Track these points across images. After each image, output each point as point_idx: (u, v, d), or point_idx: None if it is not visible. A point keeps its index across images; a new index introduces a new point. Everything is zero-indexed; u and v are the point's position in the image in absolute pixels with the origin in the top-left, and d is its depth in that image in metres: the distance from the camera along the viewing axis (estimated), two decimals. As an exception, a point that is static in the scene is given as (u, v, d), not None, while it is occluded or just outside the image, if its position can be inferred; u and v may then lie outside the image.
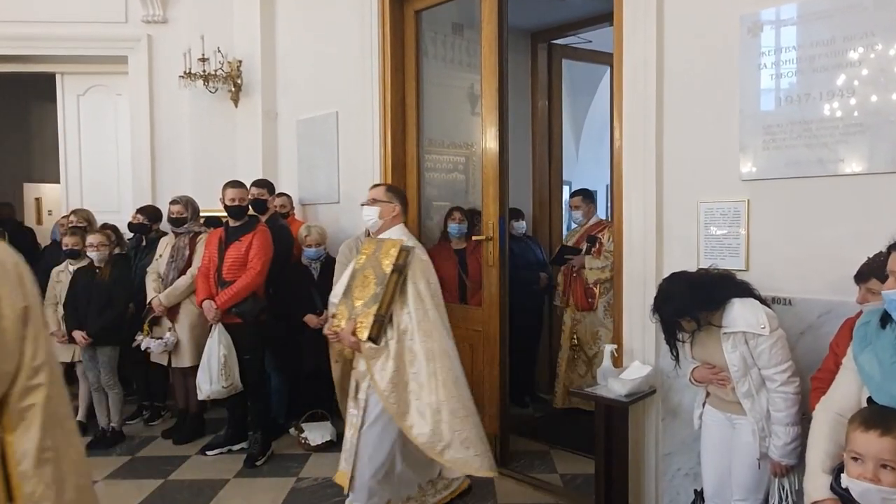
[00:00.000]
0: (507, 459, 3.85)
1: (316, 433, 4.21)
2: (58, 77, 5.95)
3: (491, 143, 3.85)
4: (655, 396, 2.96)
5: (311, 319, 4.18)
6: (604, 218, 5.14)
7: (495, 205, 3.83)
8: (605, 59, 3.83)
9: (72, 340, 4.22)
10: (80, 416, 4.52)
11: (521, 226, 5.05)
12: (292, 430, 4.36)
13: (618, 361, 3.04)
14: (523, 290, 4.51)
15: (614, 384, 2.81)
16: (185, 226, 4.42)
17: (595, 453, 2.96)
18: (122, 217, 5.27)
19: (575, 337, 4.66)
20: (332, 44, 4.77)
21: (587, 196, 4.85)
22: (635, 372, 2.86)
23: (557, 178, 5.72)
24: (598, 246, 4.52)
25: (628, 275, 3.09)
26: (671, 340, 2.42)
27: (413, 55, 4.37)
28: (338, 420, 4.19)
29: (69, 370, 4.54)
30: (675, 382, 2.91)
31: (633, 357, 3.02)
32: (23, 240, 6.18)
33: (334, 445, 4.12)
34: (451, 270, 4.33)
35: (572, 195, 4.98)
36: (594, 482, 2.97)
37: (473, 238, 4.05)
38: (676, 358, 2.48)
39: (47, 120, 7.32)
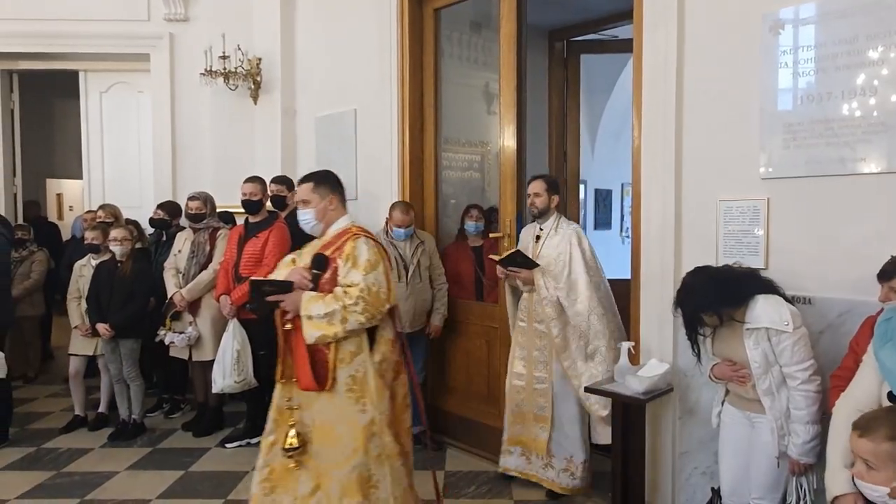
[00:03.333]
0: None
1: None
2: (81, 74, 6.05)
3: (508, 140, 3.86)
4: (672, 395, 2.97)
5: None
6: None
7: (513, 202, 3.85)
8: (626, 46, 3.78)
9: (94, 333, 4.30)
10: (101, 408, 4.61)
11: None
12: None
13: (634, 359, 3.04)
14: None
15: (632, 381, 2.81)
16: (204, 221, 4.48)
17: (612, 451, 2.97)
18: (143, 213, 5.34)
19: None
20: (352, 42, 4.81)
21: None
22: (653, 369, 2.86)
23: (574, 177, 5.72)
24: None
25: (646, 272, 3.09)
26: (692, 336, 2.42)
27: (432, 53, 4.40)
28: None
29: (91, 363, 4.63)
30: (692, 381, 2.91)
31: (650, 355, 3.02)
32: (49, 235, 6.29)
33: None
34: (468, 268, 4.35)
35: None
36: (611, 480, 2.98)
37: (491, 236, 4.07)
38: (698, 354, 2.48)
39: (70, 117, 7.44)
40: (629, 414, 2.88)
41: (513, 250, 3.39)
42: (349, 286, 2.38)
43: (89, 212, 5.52)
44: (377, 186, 4.50)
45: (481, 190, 5.09)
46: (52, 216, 8.87)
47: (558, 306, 3.26)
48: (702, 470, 2.93)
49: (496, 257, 3.43)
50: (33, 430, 4.50)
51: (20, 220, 6.04)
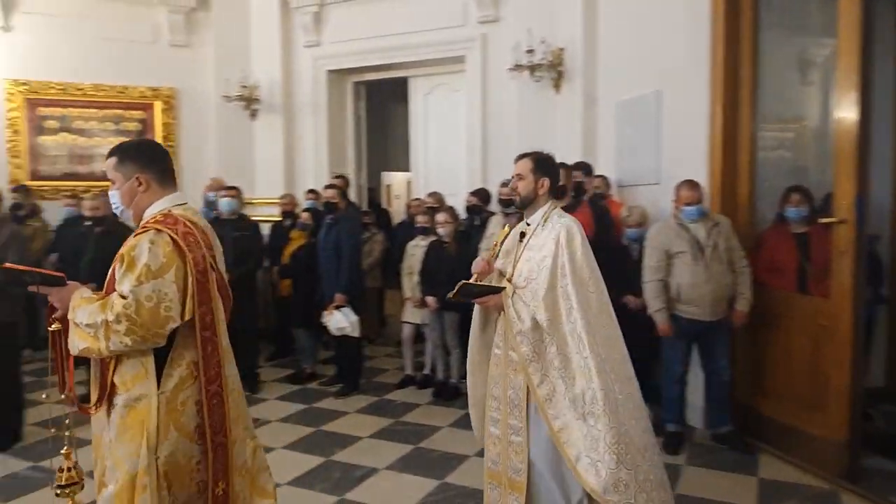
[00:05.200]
0: (857, 476, 3.37)
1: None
2: (410, 80, 6.98)
3: (846, 112, 3.34)
4: None
5: (630, 300, 4.21)
6: None
7: (851, 183, 3.33)
8: None
9: (423, 304, 4.97)
10: (426, 370, 5.32)
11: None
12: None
13: None
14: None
15: None
16: (513, 206, 4.81)
17: None
18: (457, 200, 5.95)
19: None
20: (656, 21, 4.65)
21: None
22: None
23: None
24: None
25: None
26: None
27: (749, 22, 4.02)
28: (655, 405, 4.17)
29: (418, 330, 5.37)
30: None
31: None
32: (383, 220, 7.42)
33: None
34: (790, 255, 3.91)
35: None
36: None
37: (822, 221, 3.58)
38: None
39: (398, 118, 8.66)
40: None
41: (461, 283, 2.45)
42: (120, 296, 1.86)
43: (415, 200, 6.40)
44: (684, 170, 4.30)
45: (793, 171, 4.50)
46: (384, 205, 10.44)
47: (538, 340, 2.36)
48: None
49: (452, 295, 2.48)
50: (377, 383, 5.42)
51: (364, 208, 7.26)
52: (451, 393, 4.95)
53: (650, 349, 4.10)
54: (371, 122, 7.96)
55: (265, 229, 5.85)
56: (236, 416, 2.07)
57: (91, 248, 4.79)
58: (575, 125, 5.51)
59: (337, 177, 6.33)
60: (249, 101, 7.00)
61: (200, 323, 1.95)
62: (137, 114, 7.12)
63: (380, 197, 10.36)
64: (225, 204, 5.18)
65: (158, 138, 7.16)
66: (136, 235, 1.95)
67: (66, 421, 2.03)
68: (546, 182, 2.54)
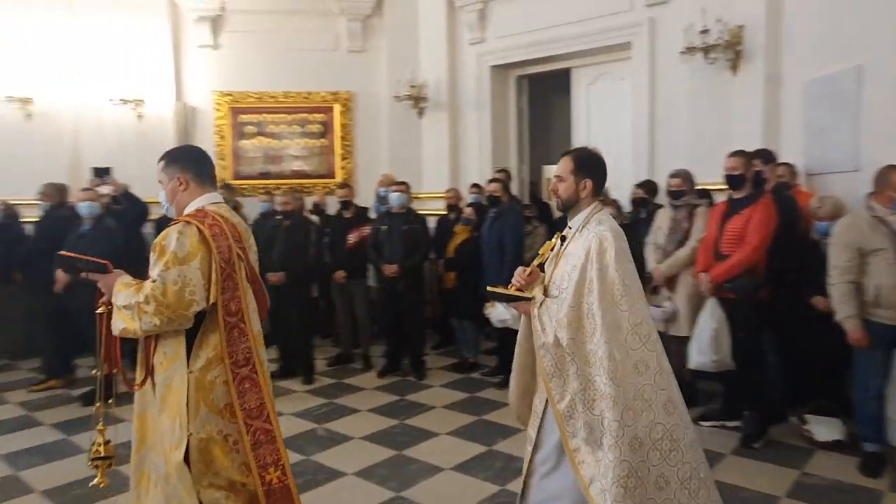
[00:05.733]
0: None
1: (822, 428, 3.84)
2: (572, 71, 6.86)
3: None
4: None
5: (819, 301, 3.81)
6: None
7: None
8: None
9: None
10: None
11: None
12: (794, 419, 4.08)
13: None
14: None
15: None
16: (683, 198, 4.56)
17: None
18: (620, 193, 5.75)
19: None
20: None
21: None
22: None
23: None
24: None
25: None
26: None
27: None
28: (849, 419, 3.76)
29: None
30: None
31: None
32: (544, 214, 7.40)
33: (843, 446, 3.71)
34: None
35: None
36: None
37: None
38: None
39: (561, 111, 8.55)
40: None
41: (488, 287, 2.46)
42: (151, 281, 2.07)
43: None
44: (891, 154, 3.79)
45: None
46: (544, 197, 10.39)
47: (560, 356, 2.20)
48: None
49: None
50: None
51: (526, 202, 7.29)
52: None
53: (842, 358, 3.69)
54: (533, 116, 7.96)
55: (431, 223, 6.11)
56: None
57: (281, 239, 5.35)
58: (755, 109, 5.07)
59: (500, 171, 6.43)
60: (417, 100, 7.33)
61: (224, 309, 2.12)
62: (319, 116, 7.78)
63: (541, 190, 10.31)
64: (395, 198, 5.49)
65: (337, 139, 7.79)
66: (168, 227, 2.15)
67: (99, 401, 2.22)
68: (588, 183, 2.33)
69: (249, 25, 7.58)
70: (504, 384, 5.11)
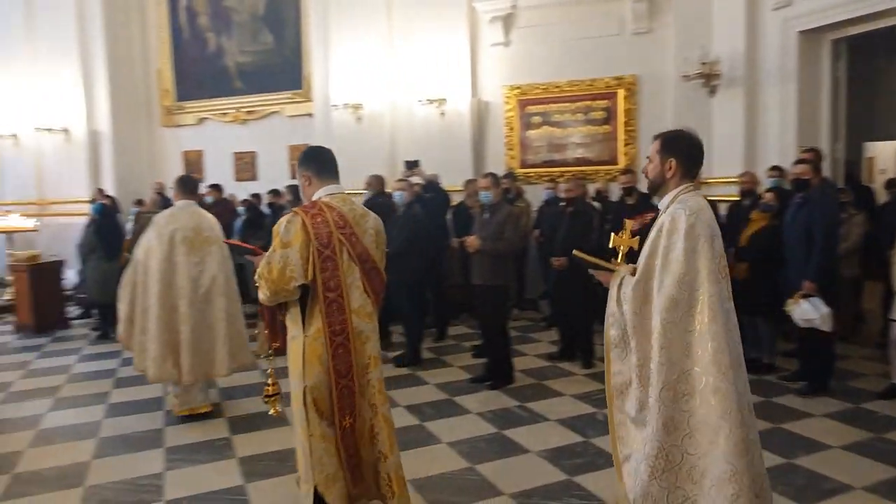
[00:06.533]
0: None
1: None
2: (910, 29, 5.71)
3: None
4: None
5: None
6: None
7: None
8: None
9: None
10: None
11: None
12: None
13: None
14: None
15: None
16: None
17: None
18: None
19: None
20: None
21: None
22: None
23: None
24: None
25: None
26: None
27: None
28: None
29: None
30: None
31: None
32: (864, 199, 6.35)
33: None
34: None
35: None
36: None
37: None
38: None
39: (888, 78, 7.18)
40: None
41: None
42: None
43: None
44: None
45: None
46: (863, 180, 8.87)
47: (624, 328, 2.26)
48: None
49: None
50: (850, 388, 4.74)
51: (841, 185, 6.33)
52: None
53: None
54: (850, 86, 6.84)
55: (722, 209, 5.70)
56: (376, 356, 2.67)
57: (564, 225, 5.52)
58: None
59: (807, 150, 5.66)
60: (709, 78, 6.85)
61: (324, 286, 2.54)
62: (602, 103, 7.78)
63: (860, 171, 8.82)
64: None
65: (620, 124, 7.70)
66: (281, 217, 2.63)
67: (269, 354, 2.81)
68: (673, 163, 2.31)
69: (537, 20, 7.90)
70: (808, 391, 4.58)
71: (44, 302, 7.38)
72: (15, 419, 4.55)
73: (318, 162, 2.76)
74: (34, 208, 10.08)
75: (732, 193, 6.19)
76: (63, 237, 9.19)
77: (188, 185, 4.58)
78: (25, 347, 6.73)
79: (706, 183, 6.55)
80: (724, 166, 6.82)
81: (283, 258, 2.52)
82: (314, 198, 2.70)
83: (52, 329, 7.40)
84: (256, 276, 2.56)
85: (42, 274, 7.42)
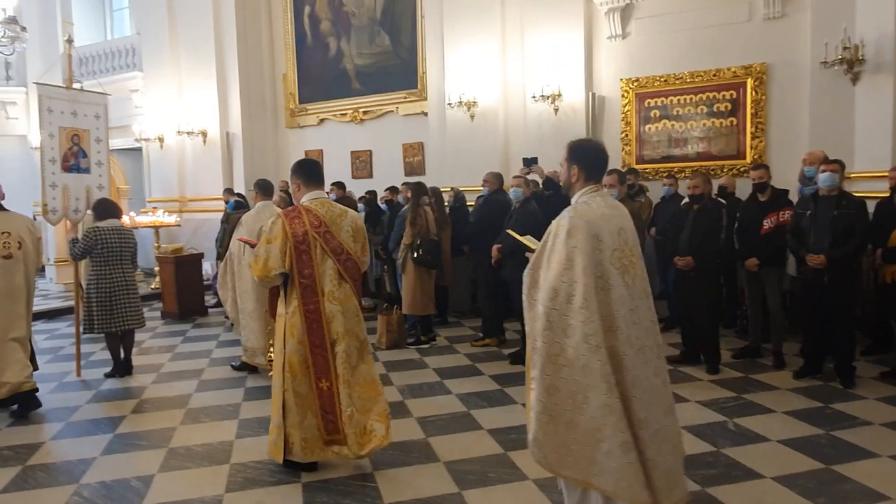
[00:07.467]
0: None
1: None
2: None
3: None
4: None
5: None
6: None
7: None
8: None
9: None
10: None
11: None
12: None
13: None
14: None
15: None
16: None
17: None
18: None
19: None
20: None
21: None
22: None
23: None
24: None
25: None
26: None
27: None
28: None
29: None
30: None
31: None
32: None
33: None
34: None
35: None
36: None
37: None
38: None
39: None
40: None
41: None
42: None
43: None
44: None
45: None
46: None
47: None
48: None
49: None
50: None
51: None
52: None
53: None
54: None
55: (868, 207, 5.24)
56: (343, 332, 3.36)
57: (689, 223, 5.29)
58: None
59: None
60: (851, 64, 6.31)
61: (299, 273, 3.32)
62: (728, 94, 7.37)
63: None
64: (826, 178, 4.85)
65: (747, 116, 7.26)
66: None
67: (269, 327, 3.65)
68: (575, 169, 2.65)
69: (658, 9, 7.60)
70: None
71: (186, 291, 8.07)
72: (168, 398, 5.02)
73: (306, 172, 3.47)
74: (176, 205, 11.04)
75: (878, 189, 5.67)
76: (201, 232, 10.01)
77: (265, 188, 5.65)
78: (171, 332, 7.40)
79: (848, 178, 6.03)
80: (868, 160, 6.28)
81: (267, 251, 3.29)
82: (301, 202, 3.41)
83: (192, 316, 8.08)
84: (248, 265, 3.53)
85: (184, 266, 8.12)
